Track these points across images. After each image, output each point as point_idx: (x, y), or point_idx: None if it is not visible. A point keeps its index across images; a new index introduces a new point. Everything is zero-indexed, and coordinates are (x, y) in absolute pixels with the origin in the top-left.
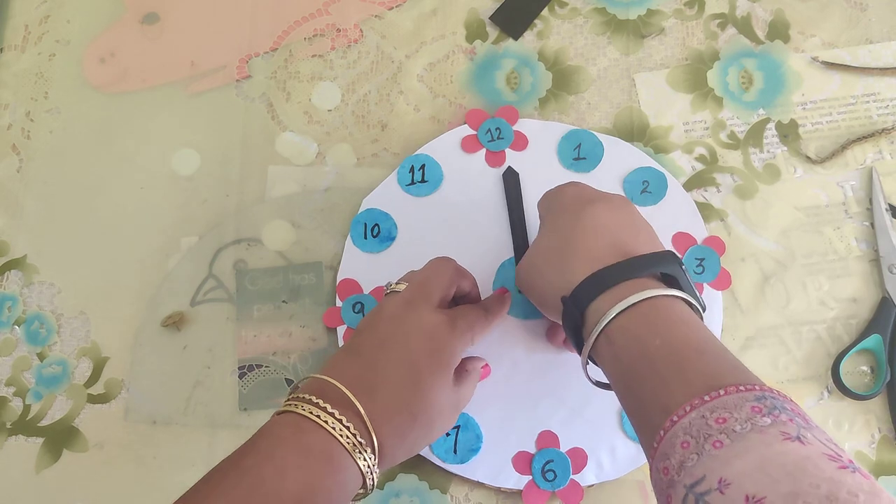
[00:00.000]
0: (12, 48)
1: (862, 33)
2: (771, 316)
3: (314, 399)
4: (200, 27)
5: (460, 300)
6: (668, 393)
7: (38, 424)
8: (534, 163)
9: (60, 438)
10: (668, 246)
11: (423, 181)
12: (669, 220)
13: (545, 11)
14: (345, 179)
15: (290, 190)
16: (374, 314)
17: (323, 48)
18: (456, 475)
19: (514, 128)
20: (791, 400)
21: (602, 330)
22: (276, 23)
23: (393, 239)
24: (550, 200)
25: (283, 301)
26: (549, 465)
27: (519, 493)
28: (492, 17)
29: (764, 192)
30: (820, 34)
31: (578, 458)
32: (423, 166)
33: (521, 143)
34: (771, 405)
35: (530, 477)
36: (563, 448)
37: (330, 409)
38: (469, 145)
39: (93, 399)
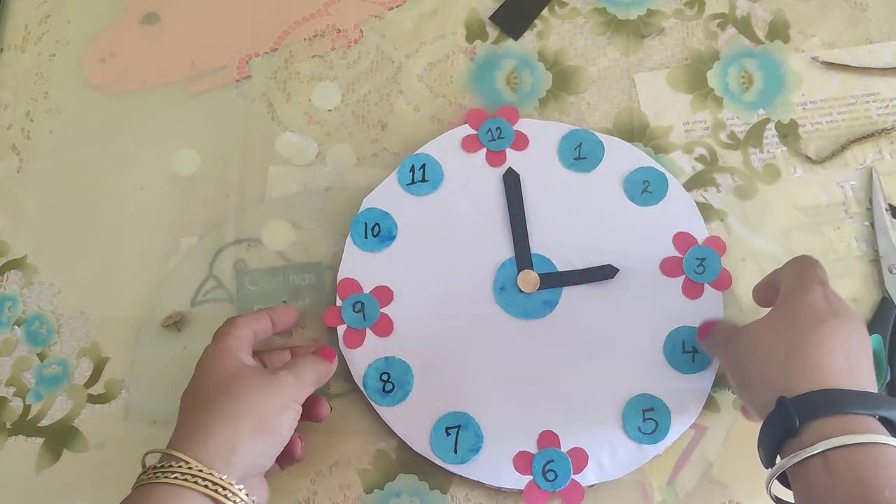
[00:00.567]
0: (12, 48)
1: (862, 33)
2: None
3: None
4: (200, 27)
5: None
6: None
7: (39, 424)
8: (534, 162)
9: (60, 438)
10: (669, 246)
11: (423, 181)
12: (670, 220)
13: (545, 11)
14: (345, 179)
15: (290, 190)
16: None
17: (323, 48)
18: (456, 475)
19: (515, 127)
20: None
21: (820, 453)
22: (277, 23)
23: (393, 238)
24: (795, 287)
25: (284, 301)
26: (549, 464)
27: (520, 493)
28: (492, 17)
29: (764, 192)
30: (820, 34)
31: (579, 458)
32: (423, 166)
33: (521, 142)
34: None
35: (531, 477)
36: (564, 448)
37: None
38: (469, 145)
39: (93, 399)
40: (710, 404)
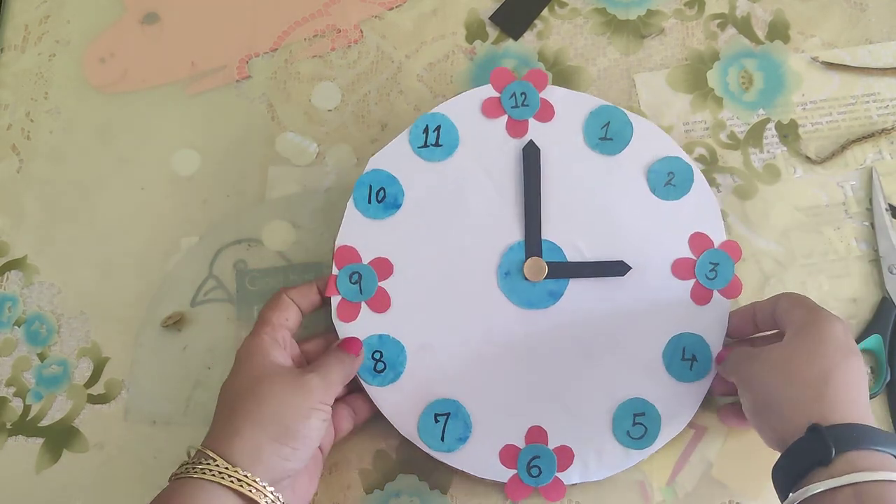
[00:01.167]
0: (12, 48)
1: (862, 33)
2: None
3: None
4: (200, 27)
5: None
6: None
7: (39, 425)
8: (557, 137)
9: (60, 438)
10: (684, 246)
11: (437, 145)
12: (689, 219)
13: (545, 12)
14: (345, 179)
15: (290, 190)
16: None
17: (323, 48)
18: (457, 475)
19: (542, 95)
20: None
21: (852, 485)
22: (276, 23)
23: (398, 207)
24: (815, 318)
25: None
26: (535, 460)
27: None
28: (492, 18)
29: (764, 193)
30: (820, 34)
31: (565, 456)
32: (438, 127)
33: (546, 113)
34: None
35: (515, 471)
36: (551, 445)
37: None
38: (490, 109)
39: (93, 399)
40: (710, 404)
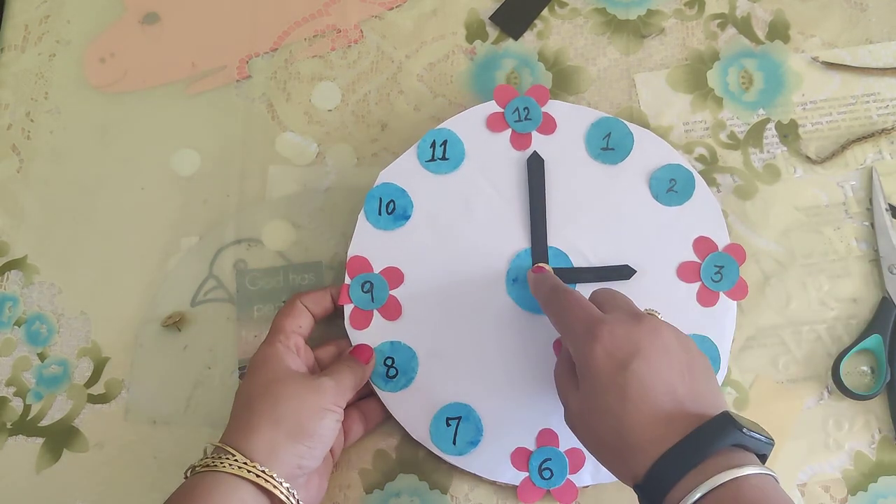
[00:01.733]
0: (12, 48)
1: (862, 33)
2: (771, 316)
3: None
4: (200, 27)
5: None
6: None
7: (39, 424)
8: (560, 149)
9: (60, 438)
10: (688, 250)
11: (443, 158)
12: (692, 223)
13: (545, 11)
14: (345, 179)
15: (290, 190)
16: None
17: (323, 48)
18: (456, 475)
19: (544, 109)
20: None
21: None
22: (277, 23)
23: (408, 218)
24: (581, 354)
25: (284, 301)
26: (546, 462)
27: (516, 489)
28: (492, 17)
29: (764, 193)
30: (820, 34)
31: (576, 458)
32: (444, 142)
33: (549, 126)
34: None
35: (527, 474)
36: (562, 447)
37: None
38: (495, 124)
39: (93, 399)
40: None
